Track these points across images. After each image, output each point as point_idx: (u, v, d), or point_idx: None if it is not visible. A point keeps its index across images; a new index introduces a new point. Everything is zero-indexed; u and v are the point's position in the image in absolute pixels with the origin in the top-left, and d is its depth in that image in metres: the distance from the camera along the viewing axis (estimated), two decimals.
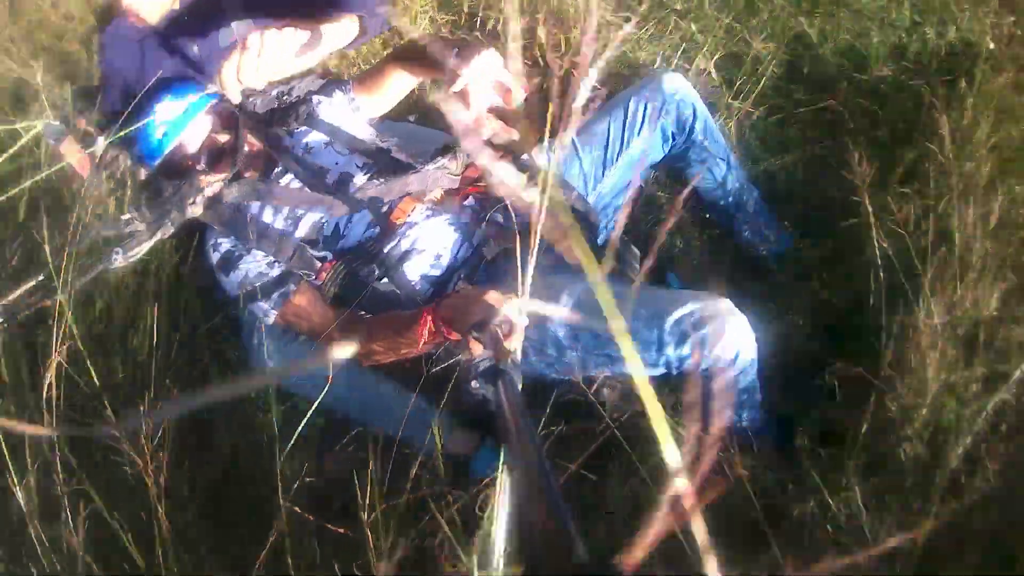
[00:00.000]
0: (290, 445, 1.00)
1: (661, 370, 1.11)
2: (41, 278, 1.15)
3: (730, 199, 1.49)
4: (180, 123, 1.27)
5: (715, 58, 1.65)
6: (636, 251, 1.52)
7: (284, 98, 1.43)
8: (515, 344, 0.91)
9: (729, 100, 1.61)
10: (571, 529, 0.33)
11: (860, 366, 1.06)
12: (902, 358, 0.99)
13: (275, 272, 1.26)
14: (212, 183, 1.30)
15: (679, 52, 1.63)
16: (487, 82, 1.04)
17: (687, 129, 1.41)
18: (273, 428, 1.06)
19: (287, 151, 1.34)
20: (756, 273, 1.49)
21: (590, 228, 1.39)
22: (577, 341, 1.16)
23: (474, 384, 0.87)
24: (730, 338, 1.07)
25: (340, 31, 1.40)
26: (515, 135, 1.06)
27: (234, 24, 1.43)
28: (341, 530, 0.99)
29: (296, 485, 1.00)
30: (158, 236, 1.25)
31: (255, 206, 1.30)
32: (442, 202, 1.31)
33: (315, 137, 1.35)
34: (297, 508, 1.00)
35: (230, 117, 1.32)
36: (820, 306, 1.39)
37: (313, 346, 1.26)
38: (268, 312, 1.25)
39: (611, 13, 1.66)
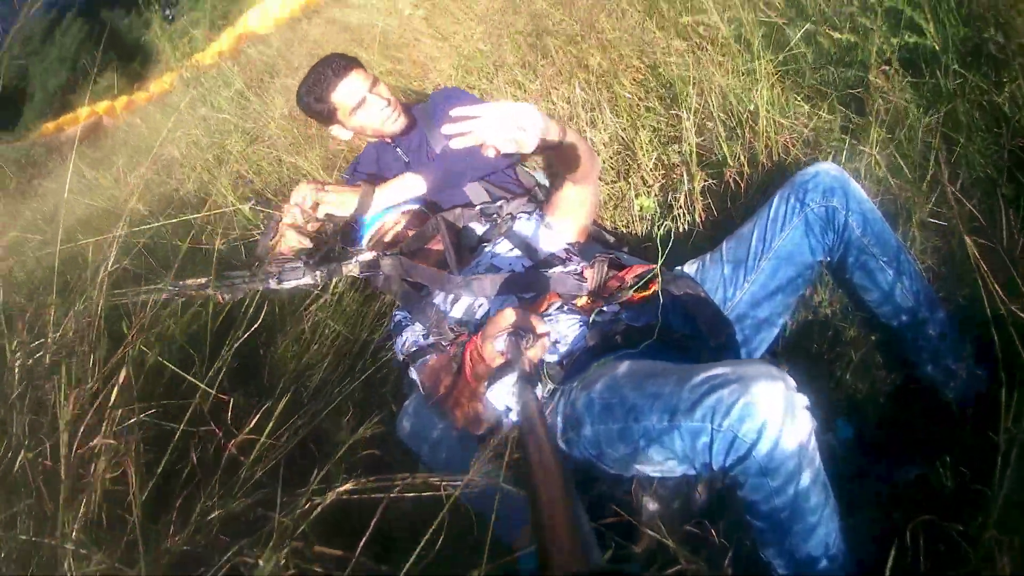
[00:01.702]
0: None
1: (682, 466, 0.97)
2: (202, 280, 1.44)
3: (903, 318, 1.19)
4: (376, 216, 1.63)
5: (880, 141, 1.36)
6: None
7: (492, 215, 1.61)
8: (536, 354, 0.99)
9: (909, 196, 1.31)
10: (588, 533, 0.36)
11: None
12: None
13: (426, 342, 1.39)
14: (367, 252, 1.54)
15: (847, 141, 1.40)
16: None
17: (839, 225, 1.20)
18: None
19: (474, 253, 1.53)
20: (939, 420, 1.11)
21: (713, 334, 1.25)
22: (608, 415, 1.05)
23: (490, 394, 0.85)
24: (752, 405, 0.85)
25: None
26: None
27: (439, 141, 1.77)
28: None
29: None
30: (310, 279, 1.49)
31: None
32: (583, 307, 1.32)
33: (504, 247, 1.50)
34: None
35: (423, 218, 1.62)
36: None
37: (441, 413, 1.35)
38: (415, 376, 1.39)
39: (782, 114, 1.57)
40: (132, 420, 1.00)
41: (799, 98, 1.54)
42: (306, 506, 0.93)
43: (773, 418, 0.84)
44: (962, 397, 1.14)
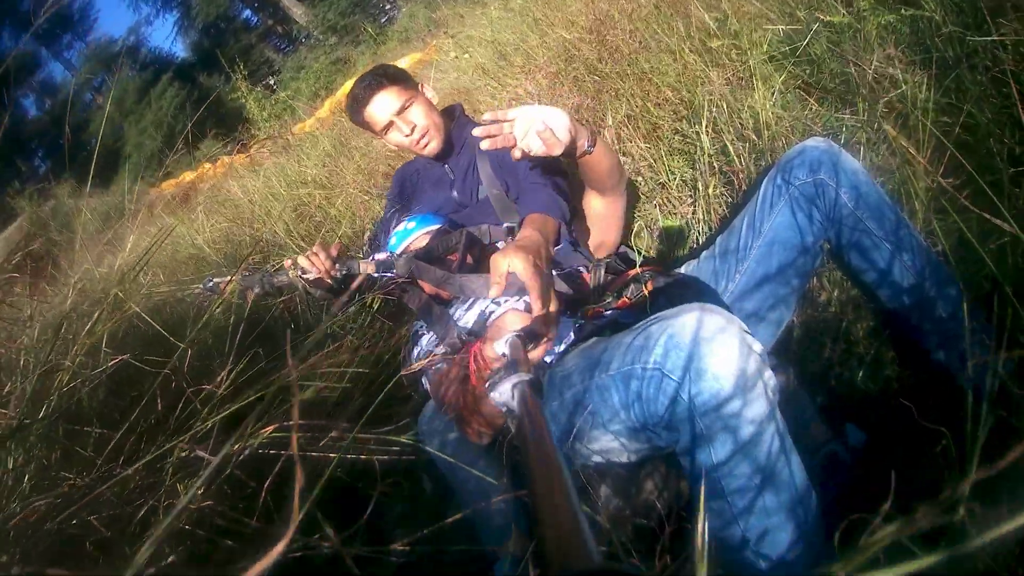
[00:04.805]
0: None
1: (627, 431, 0.94)
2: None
3: (904, 299, 1.09)
4: (403, 235, 1.70)
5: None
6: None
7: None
8: (538, 356, 1.01)
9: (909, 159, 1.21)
10: (586, 531, 0.36)
11: None
12: None
13: (439, 350, 1.43)
14: (383, 253, 1.65)
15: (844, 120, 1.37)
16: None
17: (830, 200, 1.13)
18: None
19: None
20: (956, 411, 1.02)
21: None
22: (566, 383, 1.07)
23: (494, 394, 0.91)
24: (675, 335, 0.83)
25: None
26: None
27: (485, 183, 1.79)
28: None
29: None
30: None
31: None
32: (587, 315, 1.34)
33: None
34: None
35: (446, 234, 1.67)
36: None
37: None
38: (426, 384, 1.42)
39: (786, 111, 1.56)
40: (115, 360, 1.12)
41: (810, 97, 1.54)
42: (235, 447, 0.99)
43: (698, 350, 0.81)
44: (980, 382, 1.02)
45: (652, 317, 0.91)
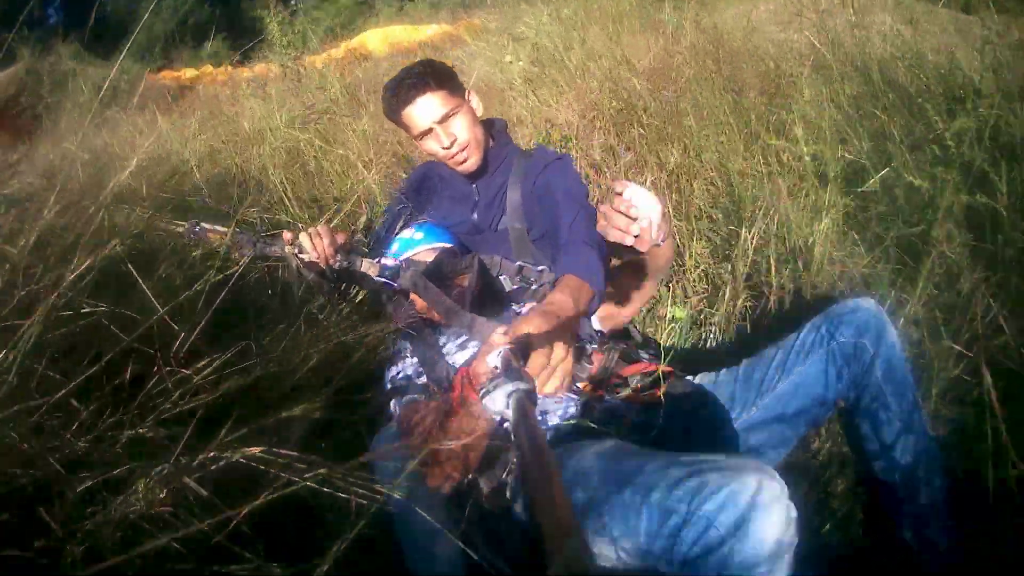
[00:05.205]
0: None
1: (637, 553, 0.92)
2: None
3: (895, 477, 1.14)
4: (408, 244, 1.59)
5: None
6: None
7: (529, 278, 1.55)
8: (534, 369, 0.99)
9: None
10: (582, 535, 0.37)
11: None
12: None
13: (419, 380, 1.37)
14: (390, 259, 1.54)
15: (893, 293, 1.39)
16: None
17: (863, 365, 1.17)
18: None
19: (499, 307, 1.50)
20: None
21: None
22: (576, 484, 1.03)
23: (487, 401, 0.86)
24: (738, 494, 0.83)
25: None
26: None
27: (509, 213, 1.67)
28: None
29: None
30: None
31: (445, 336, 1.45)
32: (583, 390, 1.31)
33: (530, 305, 1.46)
34: None
35: (455, 255, 1.58)
36: None
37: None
38: (395, 409, 1.34)
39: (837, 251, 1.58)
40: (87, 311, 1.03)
41: (860, 239, 1.55)
42: (210, 455, 0.92)
43: (753, 514, 0.81)
44: (936, 570, 1.09)
45: (709, 459, 0.90)
